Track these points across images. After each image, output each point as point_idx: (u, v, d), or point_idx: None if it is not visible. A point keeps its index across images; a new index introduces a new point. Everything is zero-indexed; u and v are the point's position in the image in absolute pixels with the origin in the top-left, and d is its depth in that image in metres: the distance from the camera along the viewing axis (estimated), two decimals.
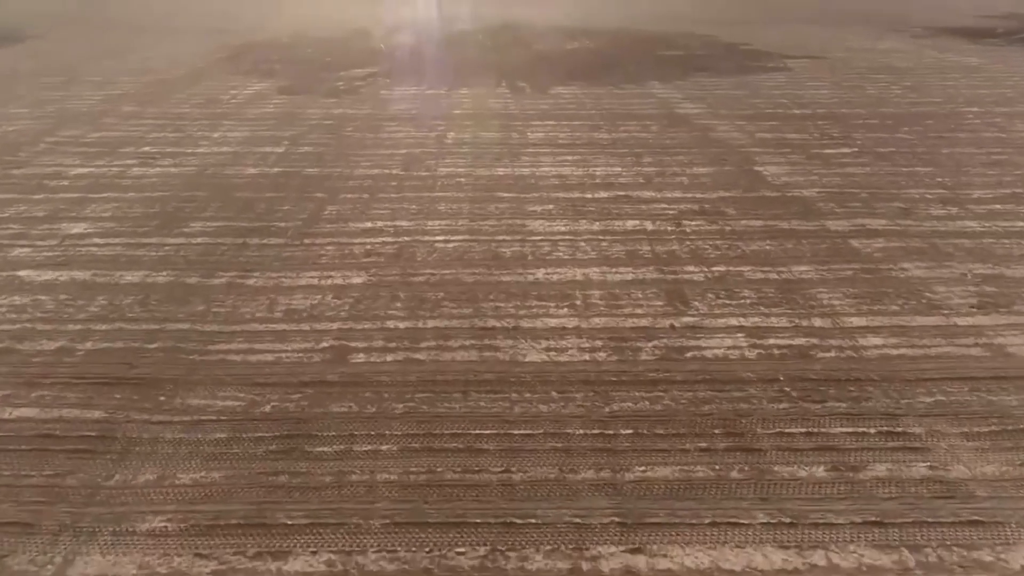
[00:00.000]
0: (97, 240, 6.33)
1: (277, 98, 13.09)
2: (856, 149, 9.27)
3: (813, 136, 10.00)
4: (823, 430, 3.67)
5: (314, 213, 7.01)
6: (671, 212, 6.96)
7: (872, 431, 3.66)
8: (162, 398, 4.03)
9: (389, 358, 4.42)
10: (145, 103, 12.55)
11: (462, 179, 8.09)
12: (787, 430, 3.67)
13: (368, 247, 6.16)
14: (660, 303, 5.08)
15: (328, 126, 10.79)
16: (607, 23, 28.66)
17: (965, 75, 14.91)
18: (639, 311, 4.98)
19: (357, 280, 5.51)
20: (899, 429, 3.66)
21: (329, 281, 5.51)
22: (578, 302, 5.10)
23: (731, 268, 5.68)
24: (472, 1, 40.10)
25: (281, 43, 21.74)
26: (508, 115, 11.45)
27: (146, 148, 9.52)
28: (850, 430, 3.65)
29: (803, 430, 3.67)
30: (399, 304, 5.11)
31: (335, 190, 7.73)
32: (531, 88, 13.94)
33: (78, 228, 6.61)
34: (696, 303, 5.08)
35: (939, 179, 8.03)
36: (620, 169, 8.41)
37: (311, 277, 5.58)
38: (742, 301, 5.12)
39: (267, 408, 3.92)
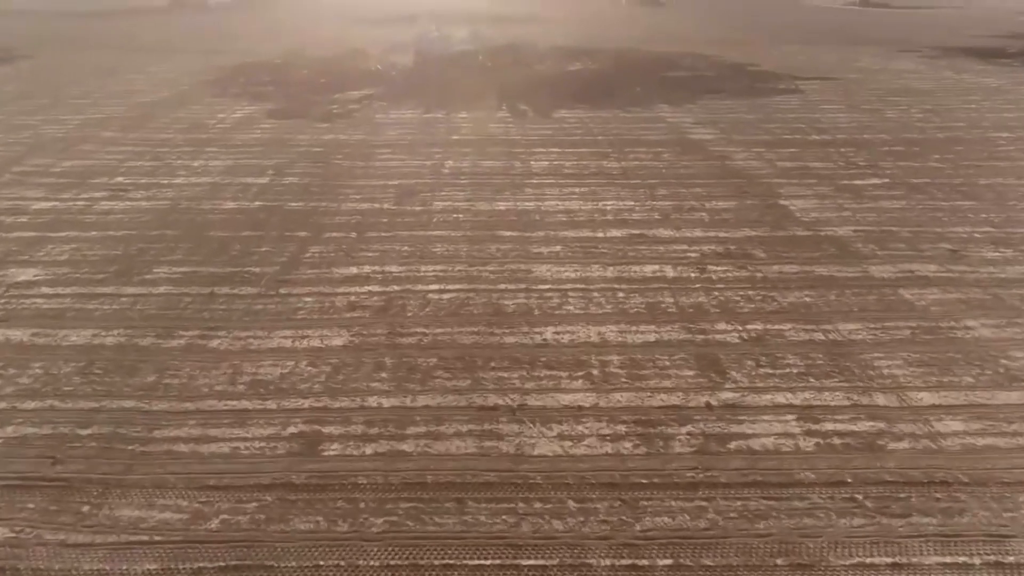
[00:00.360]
0: (45, 290, 5.58)
1: (265, 123, 12.41)
2: (887, 180, 8.55)
3: (838, 164, 9.29)
4: (914, 559, 2.89)
5: (294, 256, 6.27)
6: (693, 254, 6.22)
7: (977, 561, 2.88)
8: (86, 508, 3.25)
9: (369, 450, 3.66)
10: (126, 128, 11.87)
11: (460, 215, 7.35)
12: (869, 559, 2.89)
13: (352, 298, 5.41)
14: (691, 372, 4.32)
15: (317, 153, 10.09)
16: (609, 43, 28.08)
17: (986, 97, 14.27)
18: (667, 383, 4.21)
19: (337, 341, 4.75)
20: (1010, 559, 2.88)
21: (305, 343, 4.75)
22: (595, 371, 4.34)
23: (769, 326, 4.92)
24: (472, 21, 39.69)
25: (275, 64, 21.17)
26: (509, 141, 10.75)
27: (119, 178, 8.81)
28: (948, 560, 2.87)
29: (888, 559, 2.89)
30: (384, 374, 4.34)
31: (319, 227, 6.99)
32: (533, 112, 13.27)
33: (26, 275, 5.86)
34: (733, 373, 4.32)
35: (984, 215, 7.30)
36: (633, 203, 7.68)
37: (284, 337, 4.82)
38: (787, 370, 4.36)
39: (214, 523, 3.14)
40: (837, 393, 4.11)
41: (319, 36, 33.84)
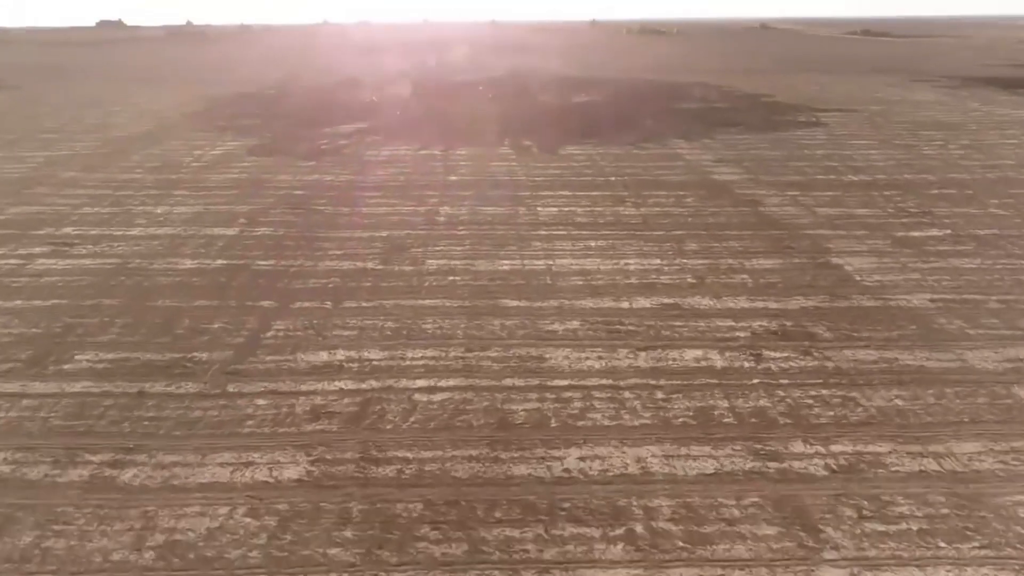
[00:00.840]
0: None
1: (246, 160, 11.35)
2: (949, 231, 7.43)
3: (886, 211, 8.18)
4: None
5: (253, 335, 5.11)
6: (742, 335, 5.06)
7: None
8: None
9: None
10: (91, 167, 10.80)
11: (456, 277, 6.21)
12: None
13: (318, 400, 4.24)
14: (772, 531, 3.13)
15: (298, 197, 8.99)
16: (614, 72, 27.05)
17: None
18: (742, 550, 3.02)
19: (291, 472, 3.58)
20: None
21: (248, 473, 3.57)
22: (638, 527, 3.16)
23: (860, 447, 3.74)
24: (472, 50, 38.97)
25: (268, 95, 20.27)
26: (513, 183, 9.67)
27: (67, 229, 7.69)
28: None
29: None
30: (349, 532, 3.16)
31: (289, 295, 5.85)
32: (538, 148, 12.22)
33: None
34: (830, 531, 3.13)
35: None
36: (660, 261, 6.55)
37: (221, 464, 3.64)
38: (903, 525, 3.17)
39: None
40: (984, 568, 2.91)
41: (317, 65, 32.90)
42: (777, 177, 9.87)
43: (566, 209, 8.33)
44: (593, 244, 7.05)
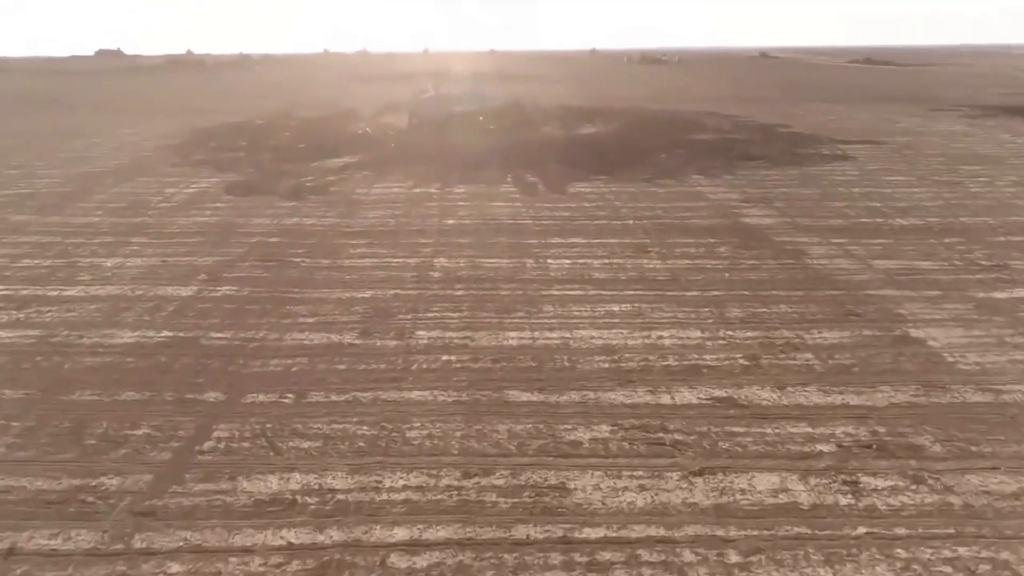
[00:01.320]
0: None
1: (221, 200, 10.25)
2: None
3: (954, 264, 7.03)
4: None
5: (185, 448, 3.90)
6: (825, 448, 3.86)
7: None
8: None
9: None
10: (47, 208, 9.68)
11: (452, 356, 5.03)
12: None
13: (255, 567, 3.01)
14: None
15: (273, 247, 7.84)
16: (618, 102, 26.11)
17: None
18: None
19: None
20: None
21: None
22: None
23: None
24: (473, 79, 38.22)
25: (257, 126, 19.27)
26: (518, 227, 8.54)
27: None
28: None
29: None
30: None
31: (241, 383, 4.65)
32: (545, 185, 11.12)
33: None
34: None
35: None
36: (700, 333, 5.37)
37: None
38: None
39: None
40: None
41: (313, 95, 32.03)
42: (816, 220, 8.74)
43: (581, 261, 7.18)
44: (616, 308, 5.88)
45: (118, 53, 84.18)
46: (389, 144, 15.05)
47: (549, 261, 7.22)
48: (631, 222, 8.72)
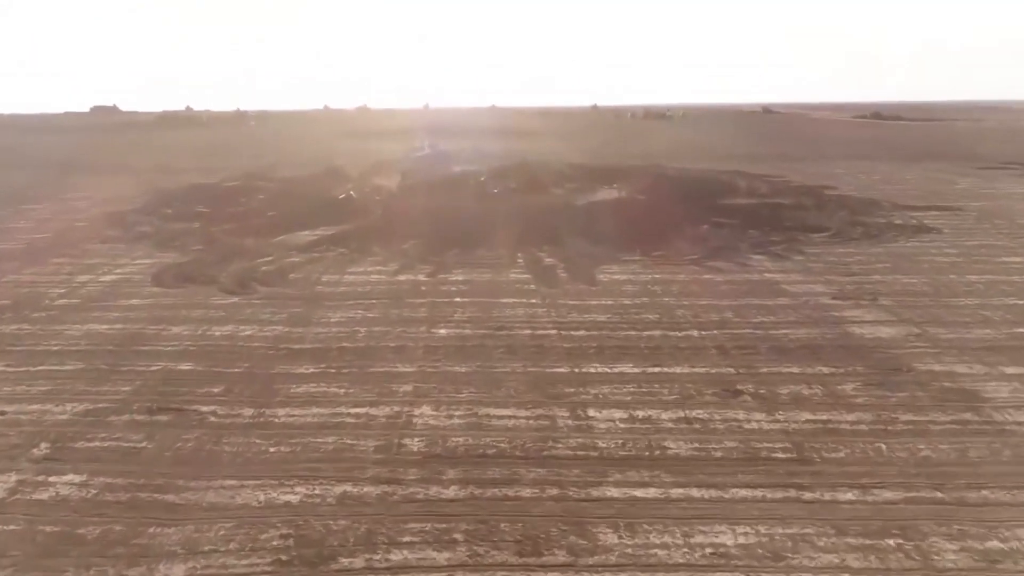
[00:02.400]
0: None
1: (142, 293, 7.76)
2: None
3: None
4: None
5: None
6: None
7: None
8: None
9: None
10: None
11: None
12: None
13: None
14: None
15: (177, 382, 5.30)
16: (632, 159, 23.55)
17: None
18: None
19: None
20: None
21: None
22: None
23: None
24: (473, 135, 36.35)
25: (228, 187, 16.97)
26: (539, 344, 6.00)
27: None
28: None
29: None
30: None
31: None
32: (566, 269, 8.65)
33: None
34: None
35: None
36: (877, 561, 2.76)
37: None
38: None
39: None
40: None
41: (303, 152, 29.88)
42: (954, 331, 6.23)
43: (641, 414, 4.62)
44: (728, 536, 3.28)
45: (113, 109, 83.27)
46: (375, 211, 12.69)
47: (592, 413, 4.66)
48: (696, 334, 6.19)
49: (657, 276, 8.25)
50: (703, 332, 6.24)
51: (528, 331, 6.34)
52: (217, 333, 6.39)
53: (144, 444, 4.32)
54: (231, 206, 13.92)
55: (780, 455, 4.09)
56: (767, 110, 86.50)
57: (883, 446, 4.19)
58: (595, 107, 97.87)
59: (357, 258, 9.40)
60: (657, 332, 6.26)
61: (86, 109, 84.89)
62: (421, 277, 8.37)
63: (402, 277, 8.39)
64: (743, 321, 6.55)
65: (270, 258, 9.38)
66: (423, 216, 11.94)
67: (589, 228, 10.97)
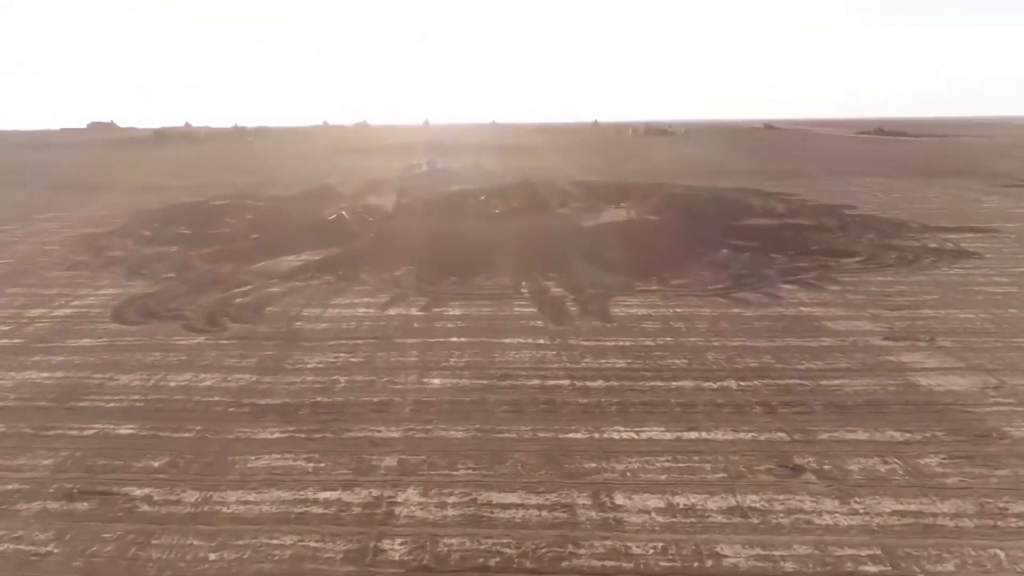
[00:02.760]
0: None
1: (95, 333, 6.83)
2: None
3: None
4: None
5: None
6: None
7: None
8: None
9: None
10: None
11: None
12: None
13: None
14: None
15: (110, 451, 4.36)
16: (638, 177, 22.63)
17: None
18: None
19: None
20: None
21: None
22: None
23: None
24: (473, 151, 35.53)
25: (213, 207, 16.10)
26: (550, 398, 5.06)
27: None
28: None
29: None
30: None
31: None
32: (576, 300, 7.73)
33: None
34: None
35: None
36: None
37: None
38: None
39: None
40: None
41: (297, 169, 28.93)
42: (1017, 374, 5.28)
43: (682, 504, 3.69)
44: None
45: (111, 125, 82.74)
46: (366, 234, 11.79)
47: (620, 501, 3.72)
48: (734, 385, 5.26)
49: (679, 310, 7.32)
50: (742, 383, 5.30)
51: (536, 381, 5.41)
52: (172, 383, 5.46)
53: (49, 548, 3.38)
54: (214, 227, 13.03)
55: (870, 567, 3.15)
56: (769, 126, 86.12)
57: (1000, 554, 3.25)
58: (596, 123, 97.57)
59: (344, 288, 8.48)
60: (688, 383, 5.33)
61: (83, 125, 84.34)
62: (414, 311, 7.44)
63: (392, 311, 7.47)
64: (786, 368, 5.62)
65: (248, 288, 8.47)
66: (418, 239, 11.04)
67: (599, 253, 10.06)
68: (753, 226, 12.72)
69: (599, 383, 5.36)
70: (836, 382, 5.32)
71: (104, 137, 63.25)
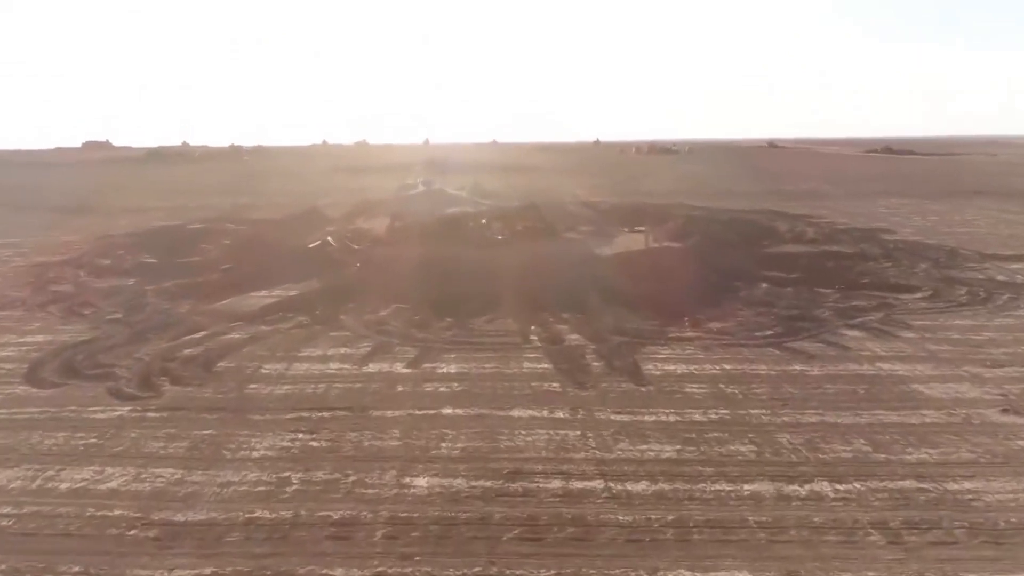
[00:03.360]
0: None
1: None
2: None
3: None
4: None
5: None
6: None
7: None
8: None
9: None
10: None
11: None
12: None
13: None
14: None
15: None
16: (651, 197, 20.69)
17: None
18: None
19: None
20: None
21: None
22: None
23: None
24: (473, 169, 34.16)
25: (187, 232, 14.60)
26: (577, 517, 3.65)
27: None
28: None
29: None
30: None
31: None
32: (598, 352, 6.31)
33: None
34: None
35: None
36: None
37: None
38: None
39: None
40: None
41: (288, 189, 27.38)
42: None
43: None
44: None
45: (106, 144, 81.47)
46: (352, 264, 10.40)
47: None
48: (829, 490, 3.84)
49: (727, 367, 5.91)
50: (839, 486, 3.88)
51: (558, 482, 3.98)
52: (63, 486, 4.04)
53: None
54: (184, 255, 11.64)
55: None
56: (773, 145, 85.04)
57: None
58: (597, 142, 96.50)
59: (317, 333, 7.07)
60: (766, 485, 3.90)
61: (78, 144, 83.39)
62: (399, 367, 6.04)
63: (373, 367, 6.06)
64: (891, 460, 4.19)
65: (203, 334, 7.06)
66: (410, 271, 9.63)
67: (619, 288, 8.64)
68: (787, 254, 11.32)
69: (643, 486, 3.94)
70: (968, 486, 3.90)
71: (97, 156, 62.03)
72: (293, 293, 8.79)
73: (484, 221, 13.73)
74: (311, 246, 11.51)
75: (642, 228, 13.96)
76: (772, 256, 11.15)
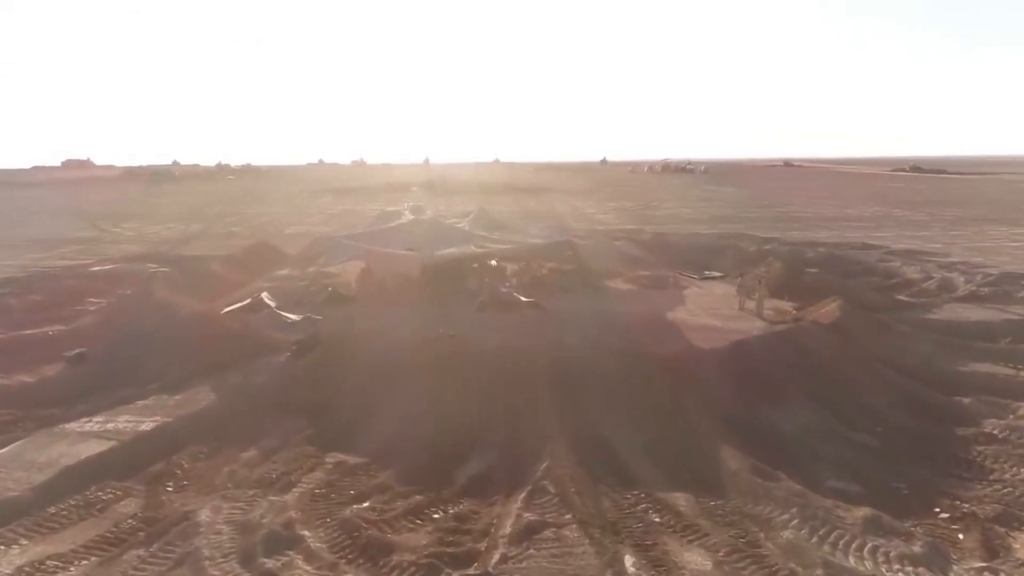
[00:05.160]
0: None
1: None
2: None
3: None
4: None
5: None
6: None
7: None
8: None
9: None
10: None
11: None
12: None
13: None
14: None
15: None
16: (685, 226, 16.69)
17: None
18: None
19: None
20: None
21: None
22: None
23: None
24: (476, 190, 29.88)
25: (80, 275, 10.68)
26: None
27: None
28: None
29: None
30: None
31: None
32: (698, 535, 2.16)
33: None
34: None
35: None
36: None
37: None
38: None
39: None
40: None
41: (255, 213, 22.71)
42: None
43: None
44: None
45: (86, 163, 77.41)
46: (275, 355, 6.30)
47: None
48: None
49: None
50: None
51: None
52: None
53: None
54: (30, 325, 7.60)
55: None
56: (789, 164, 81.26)
57: None
58: (604, 161, 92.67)
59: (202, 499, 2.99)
60: None
61: (57, 163, 79.78)
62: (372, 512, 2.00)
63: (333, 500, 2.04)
64: None
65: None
66: (367, 372, 5.53)
67: (729, 397, 4.55)
68: (974, 323, 7.26)
69: None
70: None
71: (74, 176, 58.18)
72: (146, 426, 4.73)
73: (494, 263, 9.69)
74: (226, 311, 7.40)
75: (716, 274, 9.94)
76: (946, 325, 7.10)
